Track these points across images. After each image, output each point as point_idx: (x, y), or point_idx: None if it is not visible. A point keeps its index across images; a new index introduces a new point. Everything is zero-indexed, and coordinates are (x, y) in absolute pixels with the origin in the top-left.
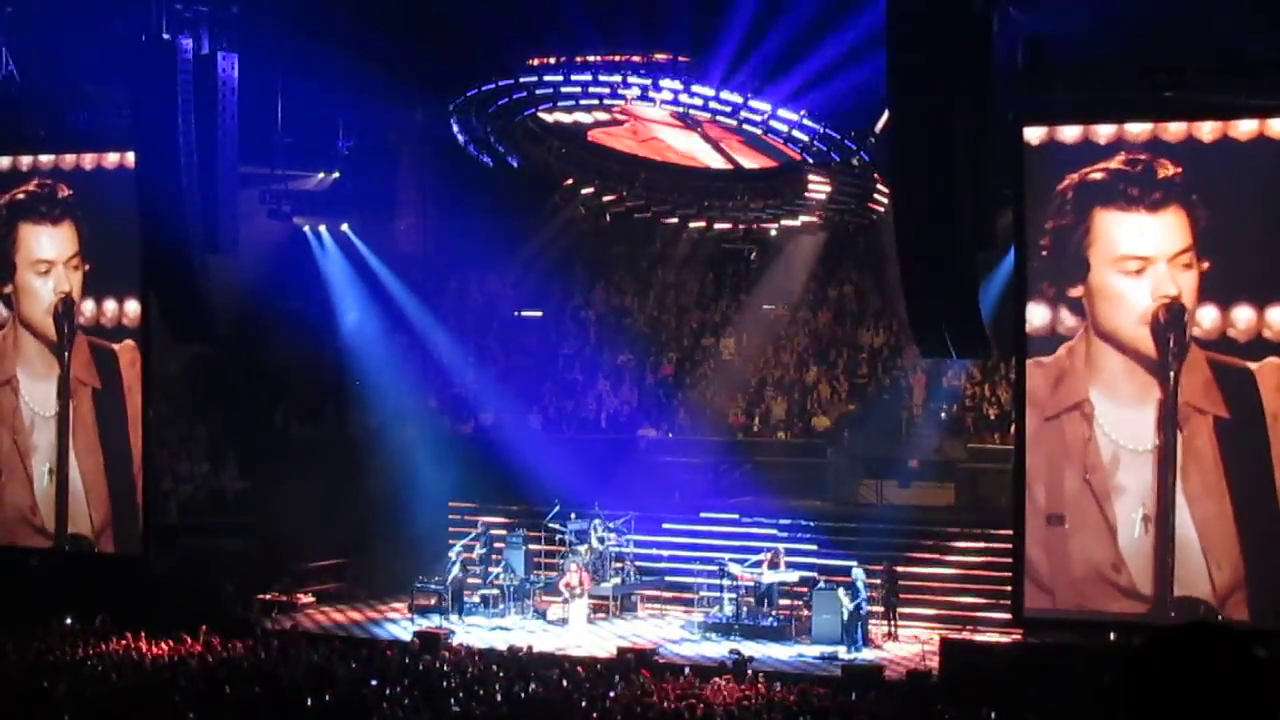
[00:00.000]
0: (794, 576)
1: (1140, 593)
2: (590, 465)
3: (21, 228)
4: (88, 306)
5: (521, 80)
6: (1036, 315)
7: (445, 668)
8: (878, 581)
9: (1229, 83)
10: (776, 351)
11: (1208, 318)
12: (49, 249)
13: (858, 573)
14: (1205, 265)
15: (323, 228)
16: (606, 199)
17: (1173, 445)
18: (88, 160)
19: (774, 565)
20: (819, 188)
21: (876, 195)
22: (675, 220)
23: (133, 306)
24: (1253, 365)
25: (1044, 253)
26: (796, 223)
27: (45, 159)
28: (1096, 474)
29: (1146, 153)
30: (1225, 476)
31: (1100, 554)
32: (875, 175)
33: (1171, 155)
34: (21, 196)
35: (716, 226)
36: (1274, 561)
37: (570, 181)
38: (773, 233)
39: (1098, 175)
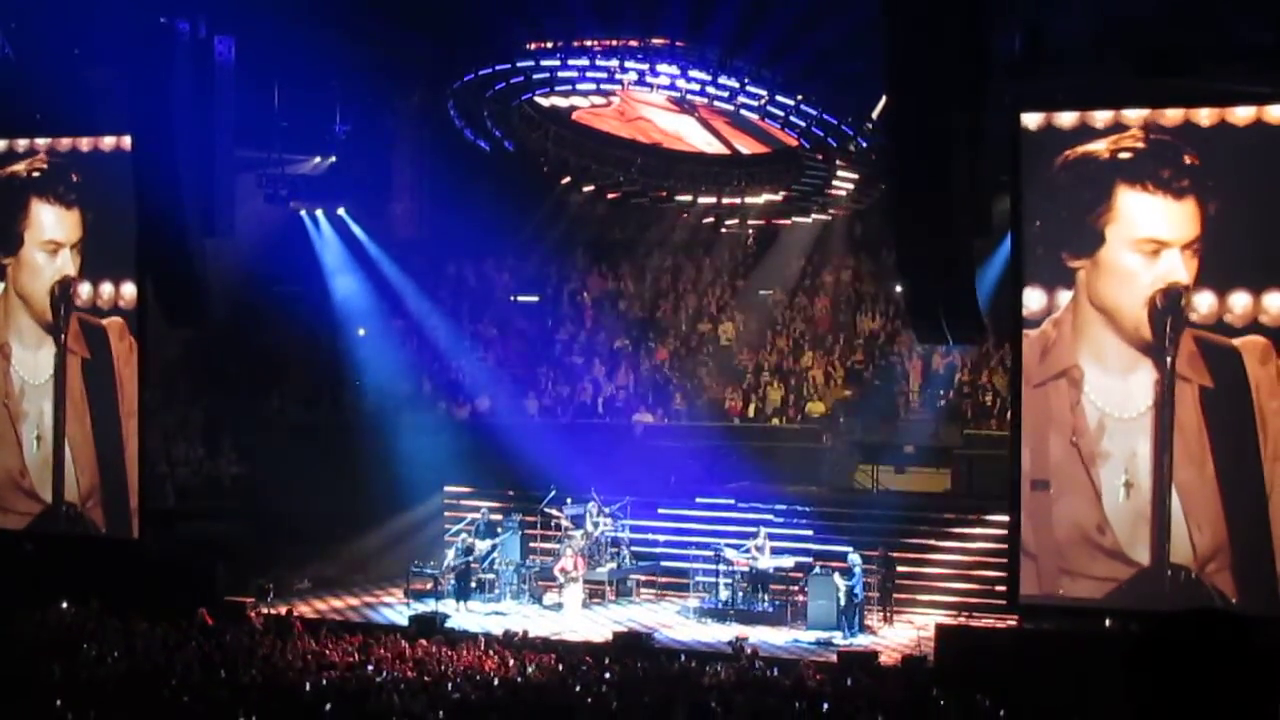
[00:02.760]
0: (790, 562)
1: (1125, 555)
2: (586, 450)
3: (34, 204)
4: (84, 289)
5: (518, 65)
6: (1033, 299)
7: (441, 652)
8: (874, 567)
9: (1226, 69)
10: (773, 337)
11: (1204, 303)
12: (59, 230)
13: (854, 558)
14: (1206, 251)
15: (319, 212)
16: (610, 196)
17: (1169, 422)
18: (84, 143)
19: (760, 548)
20: (817, 173)
21: (873, 181)
22: (672, 205)
23: (129, 289)
24: (1237, 341)
25: (1054, 224)
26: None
27: (41, 142)
28: (1083, 438)
29: (1157, 134)
30: (1209, 443)
31: (1085, 516)
32: (871, 161)
33: (1181, 139)
34: (37, 174)
35: (712, 212)
36: (1256, 526)
37: (567, 180)
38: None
39: (1127, 154)
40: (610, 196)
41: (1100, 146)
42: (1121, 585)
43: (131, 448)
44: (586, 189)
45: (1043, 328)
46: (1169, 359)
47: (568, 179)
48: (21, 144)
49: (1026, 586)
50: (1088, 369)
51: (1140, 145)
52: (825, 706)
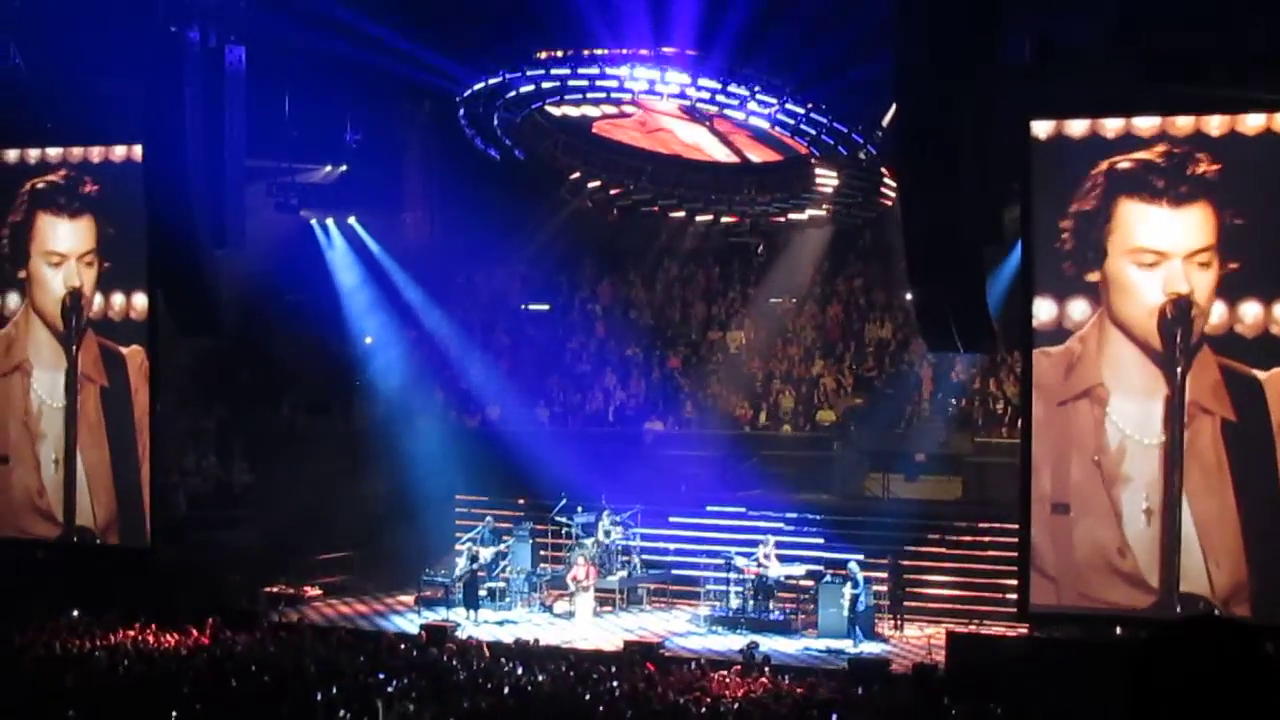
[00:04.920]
0: (800, 570)
1: (1145, 582)
2: (597, 459)
3: (40, 217)
4: (96, 300)
5: (528, 74)
6: (1043, 309)
7: (452, 661)
8: (884, 575)
9: (1236, 76)
10: (784, 345)
11: (1217, 314)
12: (63, 242)
13: (853, 565)
14: (1225, 263)
15: (330, 220)
16: (613, 192)
17: (1178, 441)
18: (95, 153)
19: (770, 556)
20: (826, 181)
21: (884, 189)
22: (682, 214)
23: (140, 300)
24: (1261, 375)
25: (1065, 236)
26: (804, 216)
27: (53, 152)
28: (1105, 458)
29: (1169, 145)
30: (1231, 477)
31: (1106, 539)
32: (882, 169)
33: (1194, 149)
34: (42, 185)
35: (723, 220)
36: (1278, 565)
37: (577, 175)
38: (783, 219)
39: (1126, 164)
40: (621, 205)
41: (1108, 156)
42: (1139, 613)
43: (146, 471)
44: (597, 197)
45: (1068, 344)
46: (1179, 369)
47: (577, 181)
48: (33, 154)
49: (1042, 602)
50: (1112, 389)
51: (1144, 155)
52: (833, 715)
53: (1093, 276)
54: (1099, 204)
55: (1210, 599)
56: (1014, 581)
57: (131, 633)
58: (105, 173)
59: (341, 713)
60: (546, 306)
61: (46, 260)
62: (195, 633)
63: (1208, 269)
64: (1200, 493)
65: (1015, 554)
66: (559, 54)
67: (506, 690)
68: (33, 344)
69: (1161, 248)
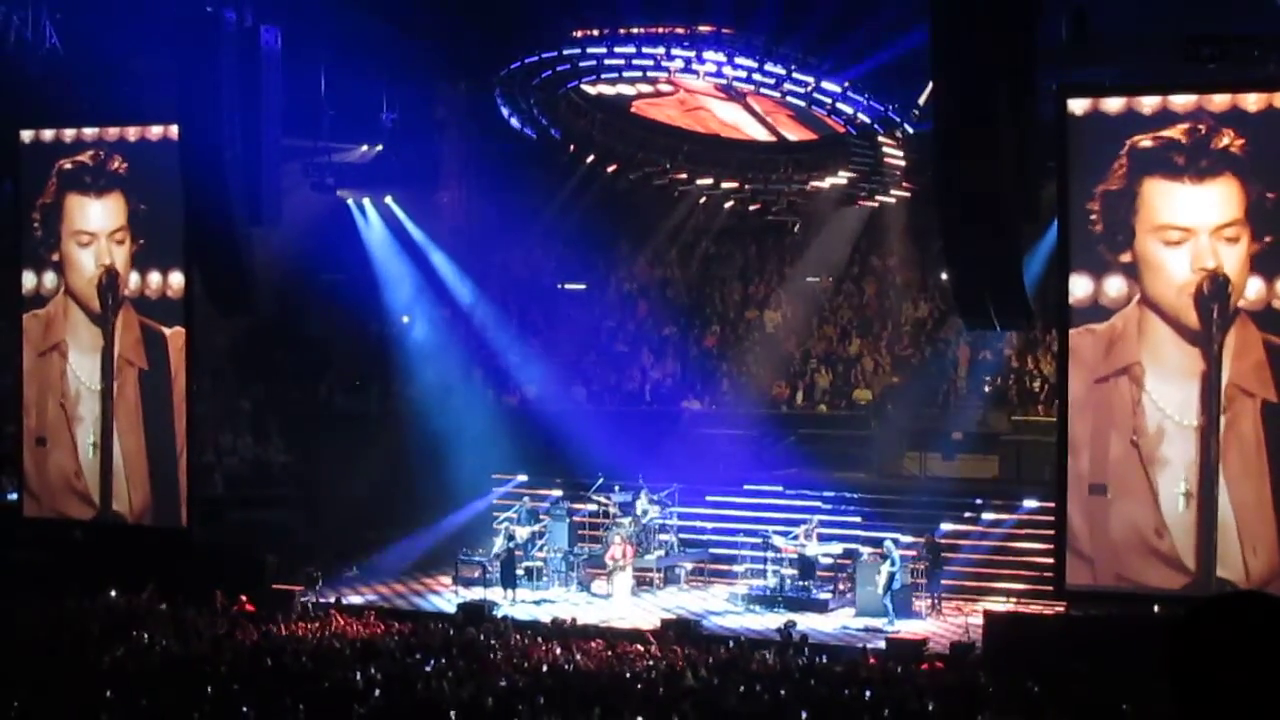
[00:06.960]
0: (838, 549)
1: (1182, 565)
2: (634, 438)
3: (68, 198)
4: (133, 279)
5: (565, 53)
6: (1080, 286)
7: (490, 640)
8: (921, 553)
9: (1273, 54)
10: (820, 324)
11: (1254, 289)
12: (92, 220)
13: (890, 544)
14: (1257, 237)
15: (366, 200)
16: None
17: (1215, 419)
18: (131, 133)
19: (809, 536)
20: (863, 161)
21: (918, 169)
22: (718, 191)
23: (177, 279)
24: None
25: (1094, 218)
26: (840, 180)
27: (89, 132)
28: (1143, 439)
29: (1197, 121)
30: (1267, 461)
31: (1143, 520)
32: (915, 149)
33: (1221, 125)
34: (69, 166)
35: (760, 199)
36: None
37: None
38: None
39: (1148, 143)
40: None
41: (1139, 134)
42: (1176, 593)
43: (185, 456)
44: (632, 176)
45: (1111, 321)
46: (1216, 346)
47: (614, 166)
48: (68, 134)
49: (1078, 582)
50: (1149, 368)
51: (1164, 134)
52: (869, 693)
53: (1125, 258)
54: (1124, 185)
55: (1245, 586)
56: (1051, 560)
57: (169, 613)
58: (138, 151)
59: (378, 693)
60: (583, 286)
61: (77, 240)
62: (233, 613)
63: (1236, 243)
64: (1239, 477)
65: (1052, 532)
66: (595, 33)
67: (544, 670)
68: (70, 326)
69: (1186, 223)
